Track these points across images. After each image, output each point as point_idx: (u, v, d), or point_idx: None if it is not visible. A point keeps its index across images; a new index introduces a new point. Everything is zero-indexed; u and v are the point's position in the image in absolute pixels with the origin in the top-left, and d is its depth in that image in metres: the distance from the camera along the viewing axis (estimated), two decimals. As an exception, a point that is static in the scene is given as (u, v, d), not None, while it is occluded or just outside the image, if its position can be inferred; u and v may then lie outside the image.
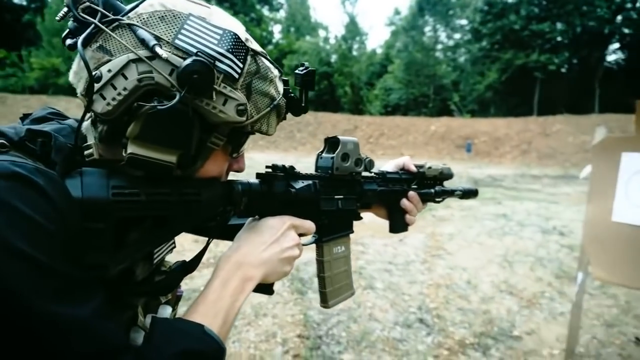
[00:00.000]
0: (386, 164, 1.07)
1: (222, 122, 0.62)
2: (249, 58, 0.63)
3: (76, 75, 0.58)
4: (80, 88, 0.57)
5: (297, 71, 0.72)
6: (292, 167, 0.80)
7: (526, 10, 28.00)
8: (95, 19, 0.54)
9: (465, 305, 3.66)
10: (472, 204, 9.17)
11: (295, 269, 4.29)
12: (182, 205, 0.64)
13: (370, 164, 0.89)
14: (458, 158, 21.98)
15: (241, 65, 0.62)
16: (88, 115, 0.59)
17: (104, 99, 0.55)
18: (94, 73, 0.54)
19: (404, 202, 0.99)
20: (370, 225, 6.48)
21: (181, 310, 0.80)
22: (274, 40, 50.68)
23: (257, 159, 19.01)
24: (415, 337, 3.06)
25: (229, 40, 0.60)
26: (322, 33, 49.24)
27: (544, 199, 10.53)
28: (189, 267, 0.74)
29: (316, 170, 0.85)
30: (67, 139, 0.61)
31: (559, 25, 26.80)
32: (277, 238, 0.74)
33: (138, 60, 0.54)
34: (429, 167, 1.02)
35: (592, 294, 4.04)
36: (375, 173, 0.95)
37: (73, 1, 0.54)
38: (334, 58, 38.30)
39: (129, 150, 0.56)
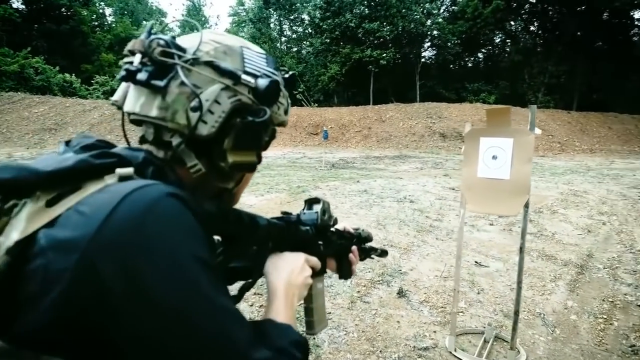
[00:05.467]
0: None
1: (278, 124, 0.75)
2: None
3: (162, 109, 0.62)
4: (173, 118, 0.62)
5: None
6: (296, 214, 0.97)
7: (359, 10, 31.34)
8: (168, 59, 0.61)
9: (363, 258, 4.75)
10: (337, 184, 10.55)
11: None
12: (250, 228, 0.74)
13: (335, 221, 1.04)
14: (311, 144, 23.74)
15: (280, 77, 0.74)
16: (178, 140, 0.64)
17: (206, 123, 0.62)
18: (192, 105, 0.61)
19: (351, 256, 1.12)
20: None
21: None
22: (106, 24, 46.11)
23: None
24: (337, 283, 4.00)
25: (271, 61, 0.74)
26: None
27: (390, 175, 12.54)
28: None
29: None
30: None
31: (386, 25, 30.67)
32: (300, 268, 0.84)
33: (226, 88, 0.64)
34: (362, 230, 1.22)
35: (443, 239, 5.58)
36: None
37: (148, 46, 0.60)
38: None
39: (230, 160, 0.66)
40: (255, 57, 0.71)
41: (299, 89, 33.50)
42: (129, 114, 0.68)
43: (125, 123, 0.72)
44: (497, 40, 37.69)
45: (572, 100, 31.23)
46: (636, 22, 33.33)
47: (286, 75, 0.78)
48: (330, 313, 3.35)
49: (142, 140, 0.70)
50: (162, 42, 0.61)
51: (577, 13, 30.60)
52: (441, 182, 10.93)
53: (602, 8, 30.17)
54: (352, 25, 30.53)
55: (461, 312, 3.49)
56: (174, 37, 0.64)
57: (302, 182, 10.62)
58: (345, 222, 1.17)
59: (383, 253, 1.40)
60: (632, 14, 32.23)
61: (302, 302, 0.93)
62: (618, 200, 8.52)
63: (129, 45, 0.63)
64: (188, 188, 0.62)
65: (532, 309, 3.56)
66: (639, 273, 4.42)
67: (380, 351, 2.86)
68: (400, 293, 3.81)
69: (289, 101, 0.79)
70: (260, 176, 11.74)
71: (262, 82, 0.67)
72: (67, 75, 29.73)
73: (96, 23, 43.66)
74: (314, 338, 2.97)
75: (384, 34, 30.36)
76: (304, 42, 39.47)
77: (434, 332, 3.15)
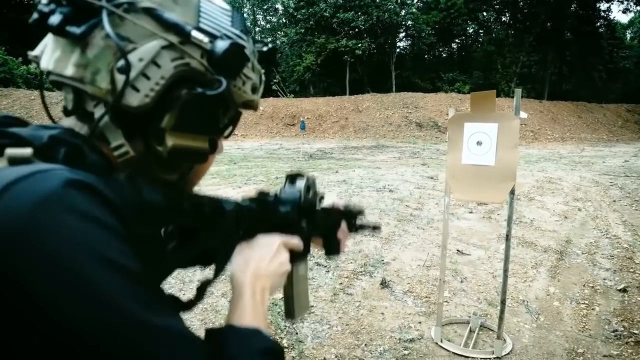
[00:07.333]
0: None
1: (242, 103, 0.61)
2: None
3: (80, 67, 0.48)
4: (93, 80, 0.48)
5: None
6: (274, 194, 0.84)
7: (333, 0, 31.09)
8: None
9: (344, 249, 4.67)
10: (316, 174, 10.41)
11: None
12: (212, 218, 0.60)
13: (322, 198, 0.94)
14: (288, 135, 23.52)
15: (252, 46, 0.60)
16: (101, 111, 0.49)
17: (138, 91, 0.48)
18: (119, 64, 0.47)
19: (339, 234, 1.03)
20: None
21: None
22: None
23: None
24: (319, 275, 3.90)
25: (239, 21, 0.59)
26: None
27: (368, 165, 12.52)
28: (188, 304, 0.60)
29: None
30: None
31: (360, 15, 30.51)
32: (274, 254, 0.71)
33: (170, 46, 0.49)
34: (353, 206, 1.14)
35: (424, 228, 5.54)
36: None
37: None
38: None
39: (169, 143, 0.51)
40: (216, 12, 0.56)
41: (275, 80, 33.10)
42: (47, 73, 0.52)
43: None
44: (470, 31, 38.09)
45: (543, 90, 31.93)
46: (602, 14, 34.19)
47: (264, 49, 0.63)
48: (312, 306, 3.25)
49: (65, 110, 0.55)
50: None
51: (546, 4, 31.12)
52: (419, 171, 10.95)
53: (570, -1, 30.83)
54: (327, 15, 30.24)
55: (445, 301, 3.44)
56: None
57: (281, 174, 10.48)
58: (333, 196, 1.03)
59: (376, 229, 1.26)
60: (598, 5, 33.07)
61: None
62: (591, 186, 8.70)
63: None
64: (123, 173, 0.48)
65: (516, 296, 3.55)
66: (616, 258, 4.48)
67: (365, 344, 2.77)
68: (384, 284, 3.74)
69: (263, 78, 0.64)
70: (238, 168, 11.57)
71: (221, 45, 0.52)
72: (31, 66, 28.52)
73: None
74: (297, 333, 2.86)
75: (359, 24, 30.21)
76: (279, 32, 38.91)
77: (419, 322, 3.09)
